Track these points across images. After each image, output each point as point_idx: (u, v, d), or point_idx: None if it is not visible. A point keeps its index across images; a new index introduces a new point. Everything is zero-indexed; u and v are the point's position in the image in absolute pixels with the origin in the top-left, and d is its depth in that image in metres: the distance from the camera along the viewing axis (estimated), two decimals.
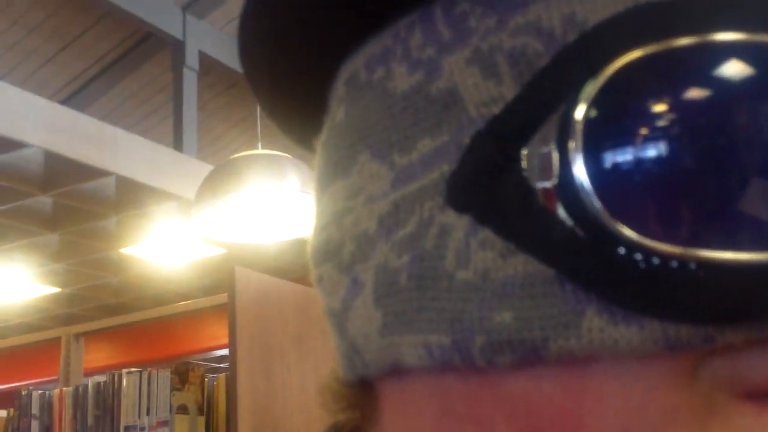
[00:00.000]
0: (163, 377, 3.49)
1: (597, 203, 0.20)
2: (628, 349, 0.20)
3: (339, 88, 0.28)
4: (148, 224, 4.49)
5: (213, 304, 3.68)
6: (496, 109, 0.22)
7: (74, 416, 3.70)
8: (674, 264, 0.20)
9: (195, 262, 5.01)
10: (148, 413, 3.51)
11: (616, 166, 0.20)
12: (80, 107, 5.05)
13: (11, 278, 5.16)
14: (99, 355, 6.14)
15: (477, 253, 0.22)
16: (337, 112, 0.27)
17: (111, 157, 3.91)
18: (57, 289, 5.47)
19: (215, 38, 5.84)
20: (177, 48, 5.62)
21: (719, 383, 0.21)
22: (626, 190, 0.20)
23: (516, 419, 0.22)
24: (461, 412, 0.23)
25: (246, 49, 0.29)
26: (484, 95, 0.23)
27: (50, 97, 4.58)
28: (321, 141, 0.29)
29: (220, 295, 3.49)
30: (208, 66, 5.81)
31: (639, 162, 0.20)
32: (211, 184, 3.04)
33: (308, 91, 0.30)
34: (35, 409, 3.79)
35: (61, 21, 5.65)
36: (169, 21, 5.58)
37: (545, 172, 0.21)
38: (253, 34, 0.28)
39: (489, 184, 0.22)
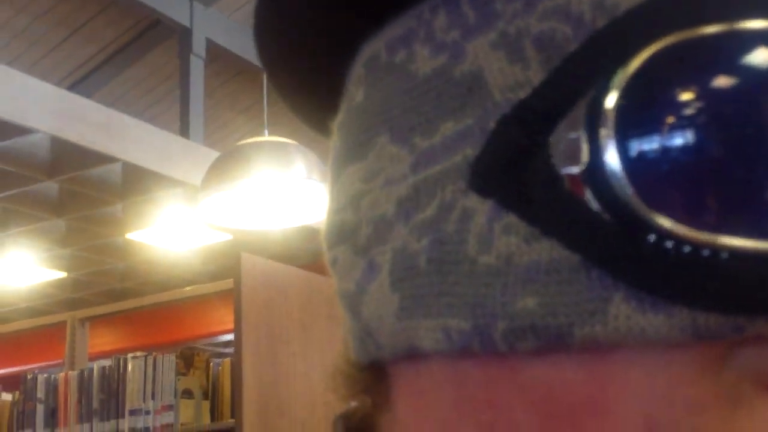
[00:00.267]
0: (168, 362, 3.50)
1: (629, 190, 0.20)
2: (655, 337, 0.20)
3: (358, 70, 0.27)
4: (154, 210, 4.50)
5: (219, 290, 3.69)
6: (522, 94, 0.22)
7: (79, 400, 3.71)
8: (706, 252, 0.20)
9: (201, 248, 5.02)
10: (153, 397, 3.52)
11: (649, 153, 0.20)
12: (87, 94, 5.04)
13: (17, 263, 5.17)
14: (104, 340, 6.16)
15: (500, 237, 0.22)
16: (356, 94, 0.27)
17: (118, 143, 3.92)
18: (63, 274, 5.49)
19: (222, 26, 5.83)
20: (184, 35, 5.61)
21: (747, 374, 0.21)
22: (659, 177, 0.20)
23: (536, 406, 0.22)
24: (478, 399, 0.23)
25: (262, 29, 0.29)
26: (510, 79, 0.23)
27: (57, 84, 4.58)
28: (337, 123, 0.29)
29: (226, 280, 3.50)
30: (215, 53, 5.81)
31: (672, 149, 0.20)
32: (218, 171, 3.04)
33: (324, 73, 0.29)
34: (40, 393, 3.81)
35: (68, 8, 5.65)
36: (176, 8, 5.58)
37: (573, 157, 0.21)
38: (270, 14, 0.29)
39: (514, 168, 0.22)
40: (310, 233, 4.70)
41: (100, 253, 5.14)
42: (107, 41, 6.00)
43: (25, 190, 4.21)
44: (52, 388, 3.79)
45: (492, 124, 0.23)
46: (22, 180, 4.08)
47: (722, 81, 0.20)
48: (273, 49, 0.30)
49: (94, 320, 4.14)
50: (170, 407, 3.48)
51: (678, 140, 0.20)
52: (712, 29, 0.20)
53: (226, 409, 3.50)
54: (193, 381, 3.53)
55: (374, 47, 0.27)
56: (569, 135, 0.21)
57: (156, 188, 4.26)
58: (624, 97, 0.21)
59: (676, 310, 0.20)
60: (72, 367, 3.90)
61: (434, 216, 0.23)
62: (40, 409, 3.80)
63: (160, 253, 5.10)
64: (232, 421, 3.30)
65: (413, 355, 0.25)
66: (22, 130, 3.64)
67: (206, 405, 3.53)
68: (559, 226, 0.21)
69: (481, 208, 0.22)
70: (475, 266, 0.22)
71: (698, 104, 0.20)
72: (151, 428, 3.50)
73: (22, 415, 3.82)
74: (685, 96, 0.20)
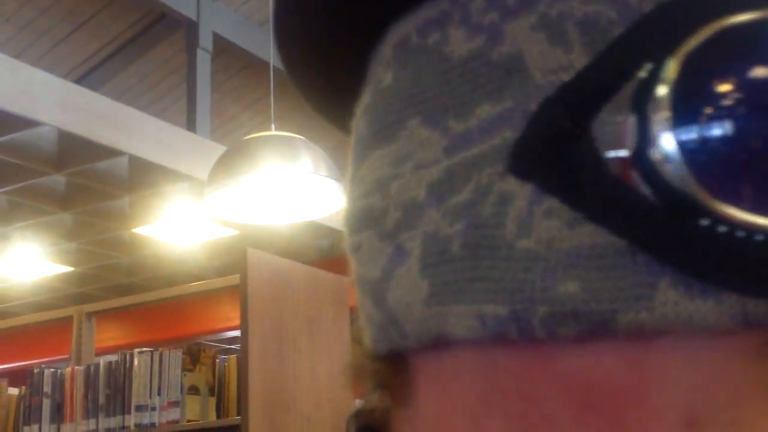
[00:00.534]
0: (175, 357, 3.50)
1: (685, 174, 0.20)
2: (702, 324, 0.20)
3: (385, 53, 0.27)
4: (160, 204, 4.50)
5: (225, 285, 3.68)
6: (565, 77, 0.22)
7: (85, 395, 3.72)
8: (760, 237, 0.20)
9: (207, 242, 5.03)
10: (159, 393, 3.52)
11: (705, 137, 0.20)
12: (93, 87, 5.04)
13: (23, 257, 5.18)
14: (110, 335, 6.17)
15: (541, 221, 0.21)
16: (384, 77, 0.27)
17: (124, 136, 3.92)
18: (69, 268, 5.50)
19: (229, 19, 5.82)
20: (191, 29, 5.61)
21: None
22: (718, 162, 0.20)
23: (572, 395, 0.21)
24: (509, 389, 0.22)
25: (282, 10, 0.29)
26: (552, 62, 0.22)
27: (64, 77, 4.58)
28: (362, 106, 0.28)
29: (232, 276, 3.50)
30: (222, 47, 5.80)
31: (729, 133, 0.20)
32: (224, 165, 3.03)
33: (344, 57, 0.29)
34: (47, 388, 3.81)
35: (75, 1, 5.65)
36: (183, 2, 5.57)
37: (620, 140, 0.21)
38: None
39: (557, 151, 0.22)
40: (317, 229, 4.70)
41: (107, 247, 5.15)
42: (114, 35, 6.00)
43: (31, 183, 4.21)
44: (58, 382, 3.80)
45: (533, 107, 0.22)
46: (29, 173, 4.08)
47: None
48: (292, 32, 0.29)
49: (101, 315, 4.14)
50: (176, 403, 3.48)
51: (734, 124, 0.20)
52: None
53: (233, 405, 3.50)
54: (200, 377, 3.53)
55: (404, 30, 0.26)
56: (616, 118, 0.21)
57: (162, 182, 4.26)
58: (679, 81, 0.20)
59: (725, 297, 0.20)
60: (78, 362, 3.90)
61: (469, 200, 0.23)
62: (46, 403, 3.80)
63: (166, 248, 5.10)
64: (239, 417, 3.30)
65: (440, 344, 0.24)
66: (29, 123, 3.63)
67: (212, 401, 3.53)
68: (605, 210, 0.21)
69: (520, 191, 0.22)
70: (513, 251, 0.22)
71: (754, 88, 0.20)
72: (157, 424, 3.50)
73: (28, 409, 3.83)
74: (746, 79, 0.20)
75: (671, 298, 0.20)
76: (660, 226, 0.20)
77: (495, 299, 0.22)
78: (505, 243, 0.22)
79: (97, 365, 3.73)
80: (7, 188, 4.26)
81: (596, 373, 0.21)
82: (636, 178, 0.21)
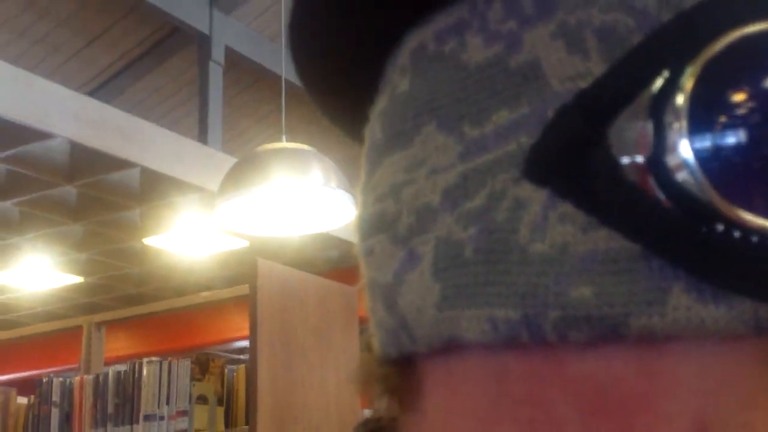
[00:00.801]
0: (184, 367, 3.50)
1: (702, 181, 0.20)
2: (714, 329, 0.20)
3: (403, 59, 0.27)
4: (171, 215, 4.52)
5: (234, 296, 3.68)
6: (583, 84, 0.22)
7: (94, 404, 3.72)
8: None
9: (217, 254, 5.03)
10: (167, 403, 3.52)
11: (721, 144, 0.20)
12: (107, 100, 5.07)
13: (34, 267, 5.20)
14: (120, 345, 6.17)
15: (555, 226, 0.22)
16: (400, 83, 0.27)
17: (136, 148, 3.94)
18: (80, 279, 5.51)
19: (241, 33, 5.86)
20: (203, 42, 5.64)
21: None
22: (730, 168, 0.20)
23: (582, 400, 0.22)
24: (520, 393, 0.23)
25: (298, 16, 0.29)
26: (570, 69, 0.22)
27: (77, 90, 4.61)
28: (377, 111, 0.28)
29: (242, 286, 3.50)
30: (234, 61, 5.83)
31: (744, 140, 0.20)
32: (235, 177, 3.05)
33: (360, 64, 0.29)
34: (56, 397, 3.81)
35: (89, 15, 5.69)
36: (195, 16, 5.61)
37: (636, 147, 0.21)
38: (308, 1, 0.28)
39: (573, 157, 0.22)
40: (327, 240, 4.70)
41: (117, 257, 5.16)
42: (127, 48, 6.04)
43: (43, 194, 4.23)
44: (67, 392, 3.80)
45: (550, 113, 0.22)
46: (41, 184, 4.10)
47: None
48: (306, 38, 0.30)
49: (110, 325, 4.15)
50: (185, 413, 3.48)
51: (751, 132, 0.20)
52: None
53: (241, 415, 3.49)
54: (208, 387, 3.52)
55: (421, 37, 0.26)
56: (633, 124, 0.21)
57: (174, 194, 4.27)
58: (696, 89, 0.21)
59: (738, 302, 0.20)
60: (88, 371, 3.90)
61: (483, 205, 0.23)
62: (55, 413, 3.80)
63: (176, 259, 5.11)
64: (247, 427, 3.30)
65: (450, 349, 0.24)
66: (41, 135, 3.66)
67: (221, 411, 3.52)
68: (619, 215, 0.21)
69: (535, 196, 0.22)
70: (527, 255, 0.22)
71: None
72: None
73: (37, 418, 3.83)
74: (762, 88, 0.20)
75: (684, 303, 0.20)
76: (674, 231, 0.20)
77: (507, 303, 0.22)
78: (519, 247, 0.22)
79: (106, 374, 3.73)
80: (19, 199, 4.28)
81: (607, 378, 0.21)
82: (651, 184, 0.21)
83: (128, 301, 5.51)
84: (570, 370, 0.22)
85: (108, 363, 4.21)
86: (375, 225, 0.27)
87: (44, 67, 5.71)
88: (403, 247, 0.25)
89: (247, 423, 3.34)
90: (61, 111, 3.66)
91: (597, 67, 0.22)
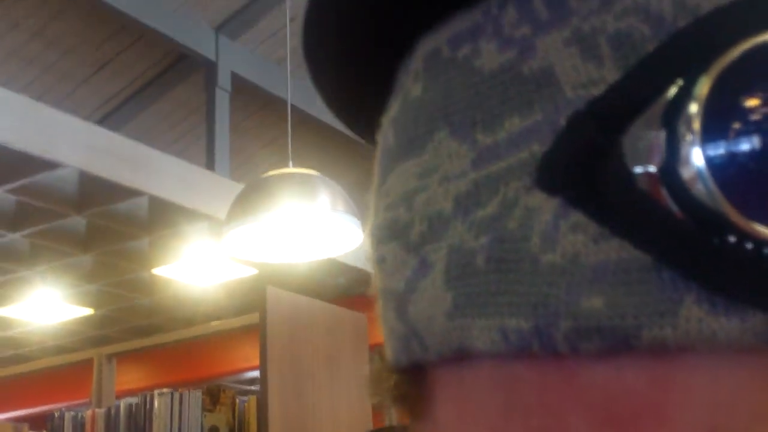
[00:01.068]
0: (195, 398, 3.49)
1: (715, 191, 0.20)
2: (726, 341, 0.20)
3: (415, 65, 0.27)
4: (180, 244, 4.50)
5: (244, 324, 3.67)
6: (596, 91, 0.22)
7: None
8: None
9: (226, 282, 5.02)
10: None
11: (734, 154, 0.20)
12: (114, 128, 5.07)
13: (45, 300, 5.19)
14: (131, 377, 6.16)
15: (566, 236, 0.21)
16: (413, 89, 0.27)
17: (144, 176, 3.93)
18: (89, 311, 5.50)
19: (247, 59, 5.87)
20: (210, 69, 5.66)
21: None
22: (744, 179, 0.20)
23: (593, 411, 0.21)
24: (530, 404, 0.22)
25: (312, 22, 0.28)
26: (583, 77, 0.22)
27: (85, 118, 4.61)
28: (390, 118, 0.28)
29: (252, 314, 3.48)
30: (241, 87, 5.85)
31: (758, 151, 0.20)
32: (242, 203, 3.03)
33: (374, 69, 0.29)
34: (68, 431, 3.79)
35: (96, 43, 5.72)
36: (202, 42, 5.63)
37: (649, 156, 0.21)
38: (322, 7, 0.28)
39: (585, 165, 0.21)
40: (336, 267, 4.68)
41: (127, 288, 5.15)
42: (134, 76, 6.06)
43: (52, 225, 4.23)
44: (79, 426, 3.79)
45: (563, 121, 0.22)
46: (50, 215, 4.10)
47: None
48: (320, 43, 0.29)
49: (121, 357, 4.13)
50: None
51: (765, 142, 0.20)
52: None
53: None
54: (220, 417, 3.50)
55: (435, 42, 0.26)
56: (647, 133, 0.21)
57: (182, 222, 4.26)
58: (710, 98, 0.20)
59: (750, 314, 0.20)
60: (99, 405, 3.89)
61: (495, 213, 0.23)
62: None
63: (186, 289, 5.10)
64: None
65: (461, 358, 0.24)
66: (50, 165, 3.65)
67: None
68: (631, 225, 0.21)
69: (546, 205, 0.22)
70: (538, 265, 0.22)
71: None
72: None
73: None
74: None
75: (696, 315, 0.20)
76: (686, 242, 0.20)
77: (518, 313, 0.22)
78: (530, 257, 0.22)
79: (118, 407, 3.71)
80: (29, 230, 4.27)
81: (618, 390, 0.21)
82: (664, 194, 0.21)
83: (138, 333, 5.50)
84: (581, 381, 0.22)
85: (119, 396, 4.20)
86: (387, 232, 0.27)
87: (52, 96, 5.73)
88: (415, 255, 0.25)
89: None
90: (69, 140, 3.66)
91: (611, 75, 0.22)
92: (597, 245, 0.21)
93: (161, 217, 4.23)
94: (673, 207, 0.21)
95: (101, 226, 4.31)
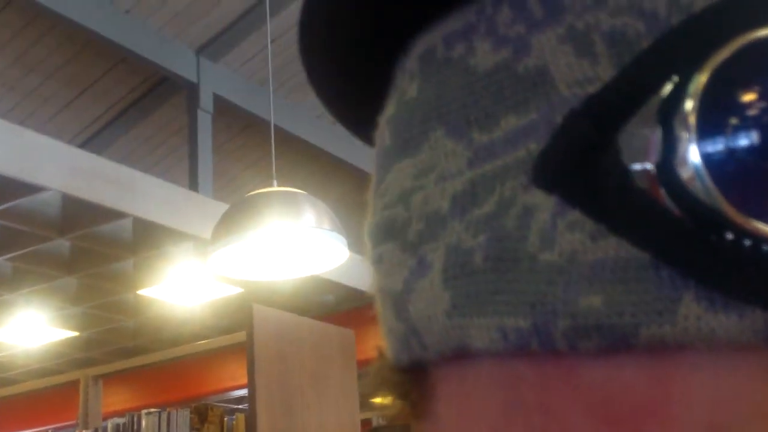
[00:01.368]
0: (183, 417, 3.48)
1: (711, 188, 0.20)
2: (725, 338, 0.20)
3: (411, 64, 0.27)
4: (164, 265, 4.50)
5: (231, 343, 3.67)
6: (591, 89, 0.22)
7: None
8: None
9: (212, 302, 5.01)
10: None
11: (730, 151, 0.20)
12: (97, 151, 5.08)
13: (29, 323, 5.16)
14: (117, 398, 6.11)
15: (564, 234, 0.21)
16: (408, 89, 0.27)
17: (128, 198, 3.94)
18: (75, 333, 5.47)
19: (229, 80, 5.89)
20: (191, 91, 5.67)
21: None
22: (740, 175, 0.20)
23: (592, 410, 0.21)
24: (530, 402, 0.22)
25: (308, 22, 0.29)
26: (578, 74, 0.22)
27: (67, 142, 4.62)
28: (386, 117, 0.28)
29: (238, 333, 3.48)
30: (223, 108, 5.85)
31: (754, 147, 0.20)
32: (227, 223, 3.04)
33: (370, 69, 0.29)
34: None
35: (78, 67, 5.72)
36: (183, 65, 5.64)
37: (645, 153, 0.21)
38: (318, 7, 0.28)
39: (582, 163, 0.21)
40: (322, 284, 4.68)
41: (112, 310, 5.13)
42: (116, 99, 6.06)
43: (36, 248, 4.22)
44: None
45: (559, 119, 0.22)
46: (34, 239, 4.09)
47: None
48: (317, 44, 0.29)
49: (107, 378, 4.12)
50: None
51: (761, 139, 0.20)
52: None
53: None
54: None
55: (429, 41, 0.26)
56: (642, 130, 0.21)
57: (166, 243, 4.27)
58: (706, 94, 0.20)
59: (748, 311, 0.20)
60: (86, 426, 3.87)
61: (492, 212, 0.23)
62: None
63: (171, 309, 5.09)
64: None
65: (460, 357, 0.24)
66: (33, 189, 3.66)
67: None
68: (629, 223, 0.21)
69: (544, 204, 0.22)
70: (536, 263, 0.22)
71: None
72: None
73: None
74: None
75: (694, 312, 0.20)
76: (684, 240, 0.20)
77: (517, 312, 0.22)
78: (528, 256, 0.22)
79: (105, 428, 3.69)
80: (12, 254, 4.27)
81: (618, 387, 0.21)
82: (661, 192, 0.21)
83: (124, 354, 5.48)
84: (581, 379, 0.22)
85: (106, 417, 4.17)
86: (384, 232, 0.27)
87: (34, 121, 5.73)
88: (413, 255, 0.25)
89: None
90: (52, 164, 3.66)
91: (606, 72, 0.22)
92: (595, 243, 0.21)
93: (145, 238, 4.23)
94: (671, 204, 0.20)
95: (85, 249, 4.30)
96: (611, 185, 0.21)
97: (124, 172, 4.04)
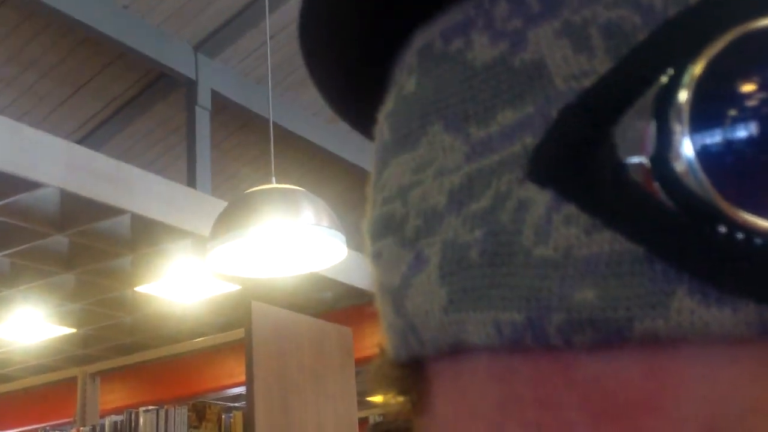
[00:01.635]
0: (181, 415, 3.48)
1: (704, 181, 0.20)
2: (719, 332, 0.20)
3: (409, 59, 0.27)
4: (163, 262, 4.50)
5: (229, 340, 3.67)
6: (587, 83, 0.22)
7: None
8: None
9: (210, 299, 5.01)
10: None
11: (724, 144, 0.20)
12: (95, 148, 5.05)
13: (27, 319, 5.16)
14: (115, 395, 6.12)
15: (559, 228, 0.21)
16: (407, 83, 0.27)
17: (126, 195, 3.93)
18: (72, 330, 5.47)
19: (227, 77, 5.88)
20: (189, 87, 5.66)
21: None
22: (734, 168, 0.20)
23: (589, 403, 0.21)
24: (526, 396, 0.22)
25: (308, 17, 0.29)
26: (574, 68, 0.22)
27: (66, 138, 4.61)
28: (385, 112, 0.28)
29: (236, 330, 3.49)
30: (221, 105, 5.85)
31: (747, 140, 0.20)
32: (226, 220, 3.04)
33: (370, 63, 0.29)
34: None
35: (75, 64, 5.72)
36: (181, 61, 5.63)
37: (640, 147, 0.21)
38: (318, 3, 0.28)
39: (577, 157, 0.21)
40: (320, 282, 4.68)
41: (110, 307, 5.13)
42: (113, 96, 6.06)
43: (35, 244, 4.22)
44: None
45: (554, 113, 0.22)
46: (32, 235, 4.09)
47: None
48: (316, 39, 0.30)
49: (105, 375, 4.12)
50: None
51: (755, 132, 0.20)
52: None
53: None
54: None
55: (428, 36, 0.26)
56: (637, 124, 0.21)
57: (165, 239, 4.26)
58: (700, 86, 0.20)
59: (742, 305, 0.20)
60: (83, 423, 3.87)
61: (488, 207, 0.23)
62: None
63: (169, 306, 5.09)
64: None
65: (457, 352, 0.24)
66: (31, 185, 3.65)
67: None
68: (623, 217, 0.21)
69: (539, 198, 0.22)
70: (531, 258, 0.22)
71: None
72: None
73: None
74: (765, 84, 0.20)
75: (688, 306, 0.20)
76: (678, 233, 0.20)
77: (511, 306, 0.22)
78: (523, 250, 0.22)
79: (102, 426, 3.70)
80: (10, 251, 4.26)
81: (613, 382, 0.21)
82: (655, 185, 0.20)
83: (122, 351, 5.47)
84: (576, 373, 0.22)
85: (103, 414, 4.17)
86: (382, 227, 0.27)
87: (32, 117, 5.72)
88: (411, 250, 0.25)
89: None
90: (50, 160, 3.66)
91: (602, 66, 0.22)
92: (589, 237, 0.21)
93: (143, 235, 4.23)
94: (665, 198, 0.20)
95: (83, 245, 4.30)
96: (606, 179, 0.21)
97: (123, 168, 4.04)
